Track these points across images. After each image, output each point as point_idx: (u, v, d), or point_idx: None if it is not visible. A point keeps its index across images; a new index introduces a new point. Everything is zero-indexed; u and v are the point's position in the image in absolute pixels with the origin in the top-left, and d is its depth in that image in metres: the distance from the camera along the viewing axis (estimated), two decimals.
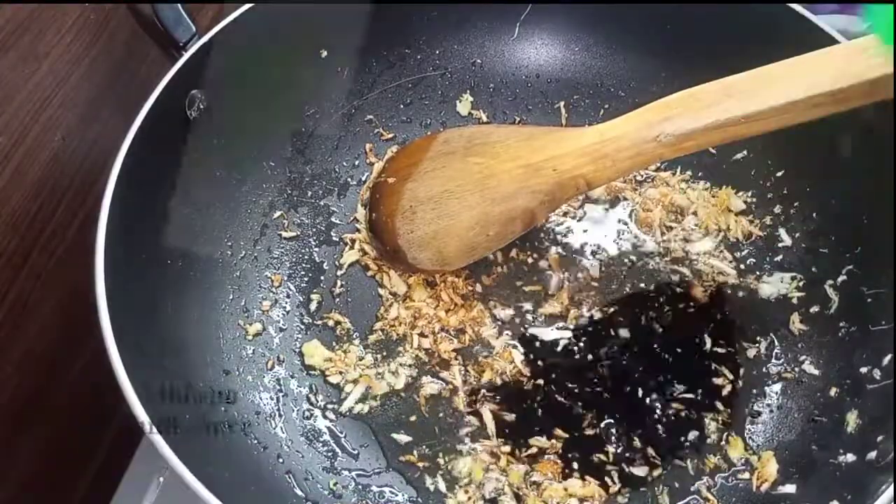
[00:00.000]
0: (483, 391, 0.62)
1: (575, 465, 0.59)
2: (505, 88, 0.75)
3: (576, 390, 0.62)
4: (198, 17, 0.63)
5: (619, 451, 0.59)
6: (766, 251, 0.67)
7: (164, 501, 0.64)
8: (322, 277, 0.68)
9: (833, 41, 0.58)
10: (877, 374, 0.57)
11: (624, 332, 0.64)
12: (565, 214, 0.70)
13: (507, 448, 0.59)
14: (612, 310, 0.66)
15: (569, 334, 0.64)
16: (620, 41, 0.73)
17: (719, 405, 0.61)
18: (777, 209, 0.68)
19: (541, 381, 0.62)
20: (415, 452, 0.60)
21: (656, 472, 0.58)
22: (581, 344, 0.64)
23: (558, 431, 0.60)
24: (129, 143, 0.55)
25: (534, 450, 0.59)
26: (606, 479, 0.58)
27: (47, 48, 0.59)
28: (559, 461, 0.59)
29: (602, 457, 0.59)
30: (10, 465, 0.61)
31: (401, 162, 0.66)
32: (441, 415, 0.61)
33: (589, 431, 0.60)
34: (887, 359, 0.56)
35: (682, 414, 0.60)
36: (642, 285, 0.67)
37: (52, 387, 0.65)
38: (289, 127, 0.70)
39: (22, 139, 0.57)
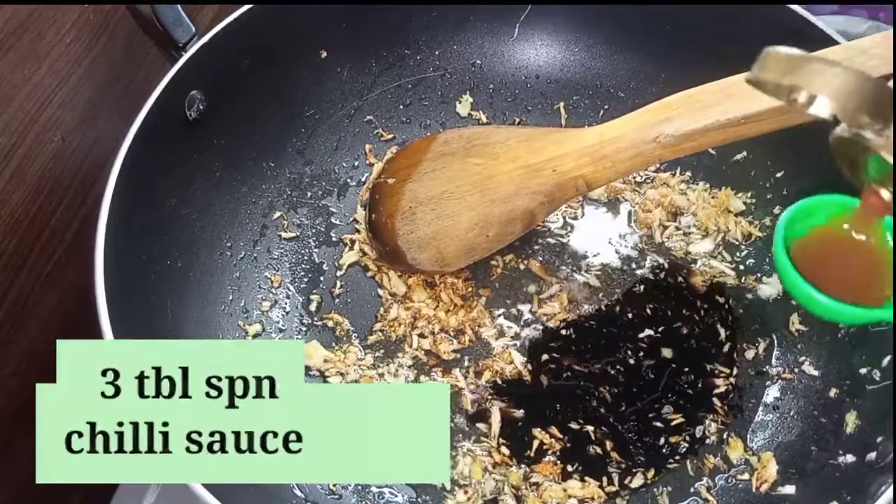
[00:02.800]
0: (485, 391, 0.62)
1: (575, 466, 0.59)
2: (504, 89, 0.75)
3: (574, 390, 0.62)
4: (197, 18, 0.64)
5: (618, 451, 0.59)
6: (765, 252, 0.67)
7: (163, 502, 0.64)
8: (322, 278, 0.68)
9: (833, 42, 0.58)
10: (876, 374, 0.57)
11: (623, 333, 0.64)
12: (564, 215, 0.70)
13: (507, 450, 0.59)
14: (611, 311, 0.66)
15: (569, 335, 0.64)
16: (620, 42, 0.73)
17: (719, 405, 0.61)
18: (777, 210, 0.68)
19: (540, 382, 0.62)
20: None
21: (656, 473, 0.58)
22: (581, 345, 0.64)
23: (558, 431, 0.60)
24: (128, 144, 0.55)
25: (533, 450, 0.59)
26: (606, 479, 0.58)
27: (47, 48, 0.59)
28: (558, 462, 0.59)
29: (601, 457, 0.59)
30: (10, 465, 0.61)
31: (400, 163, 0.66)
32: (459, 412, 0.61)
33: (588, 432, 0.60)
34: (887, 359, 0.56)
35: (682, 414, 0.60)
36: (641, 286, 0.67)
37: None
38: (288, 127, 0.70)
39: (22, 139, 0.57)
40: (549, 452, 0.59)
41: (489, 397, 0.62)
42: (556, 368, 0.63)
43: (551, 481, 0.58)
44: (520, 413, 0.61)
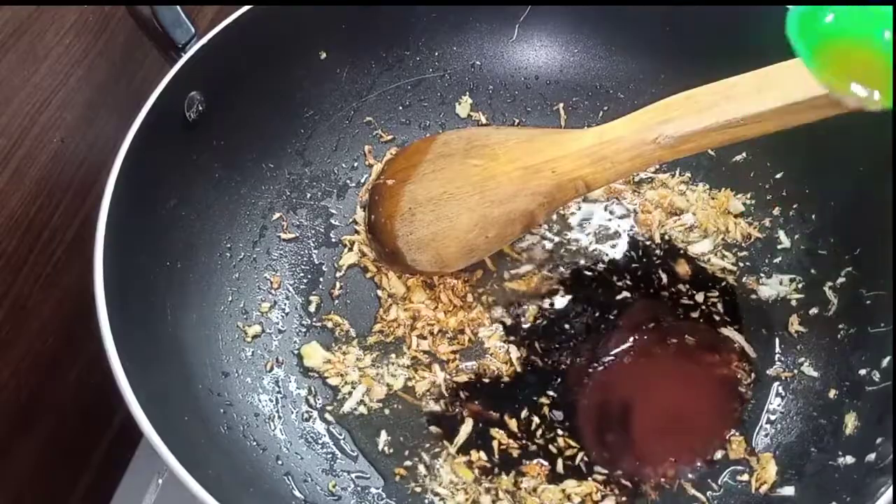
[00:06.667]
0: (479, 391, 0.62)
1: (571, 466, 0.59)
2: (504, 90, 0.75)
3: (573, 389, 0.62)
4: (197, 19, 0.64)
5: (616, 450, 0.59)
6: (765, 253, 0.67)
7: (163, 502, 0.64)
8: (321, 279, 0.68)
9: None
10: (876, 375, 0.57)
11: (622, 333, 0.64)
12: (563, 216, 0.70)
13: (484, 454, 0.59)
14: (611, 310, 0.65)
15: (570, 334, 0.64)
16: (619, 43, 0.73)
17: (718, 407, 0.61)
18: (776, 211, 0.68)
19: (539, 380, 0.62)
20: (413, 453, 0.60)
21: (654, 473, 0.58)
22: (581, 344, 0.64)
23: (546, 428, 0.60)
24: (128, 145, 0.55)
25: (518, 449, 0.59)
26: (603, 479, 0.58)
27: (46, 49, 0.59)
28: (546, 462, 0.59)
29: (599, 457, 0.59)
30: (10, 465, 0.61)
31: (400, 164, 0.66)
32: (439, 416, 0.61)
33: (585, 431, 0.60)
34: (886, 360, 0.56)
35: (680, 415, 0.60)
36: (641, 286, 0.67)
37: (51, 387, 0.65)
38: (287, 129, 0.70)
39: (21, 140, 0.57)
40: (534, 453, 0.59)
41: (466, 398, 0.61)
42: (555, 367, 0.63)
43: (546, 483, 0.58)
44: (495, 415, 0.61)
